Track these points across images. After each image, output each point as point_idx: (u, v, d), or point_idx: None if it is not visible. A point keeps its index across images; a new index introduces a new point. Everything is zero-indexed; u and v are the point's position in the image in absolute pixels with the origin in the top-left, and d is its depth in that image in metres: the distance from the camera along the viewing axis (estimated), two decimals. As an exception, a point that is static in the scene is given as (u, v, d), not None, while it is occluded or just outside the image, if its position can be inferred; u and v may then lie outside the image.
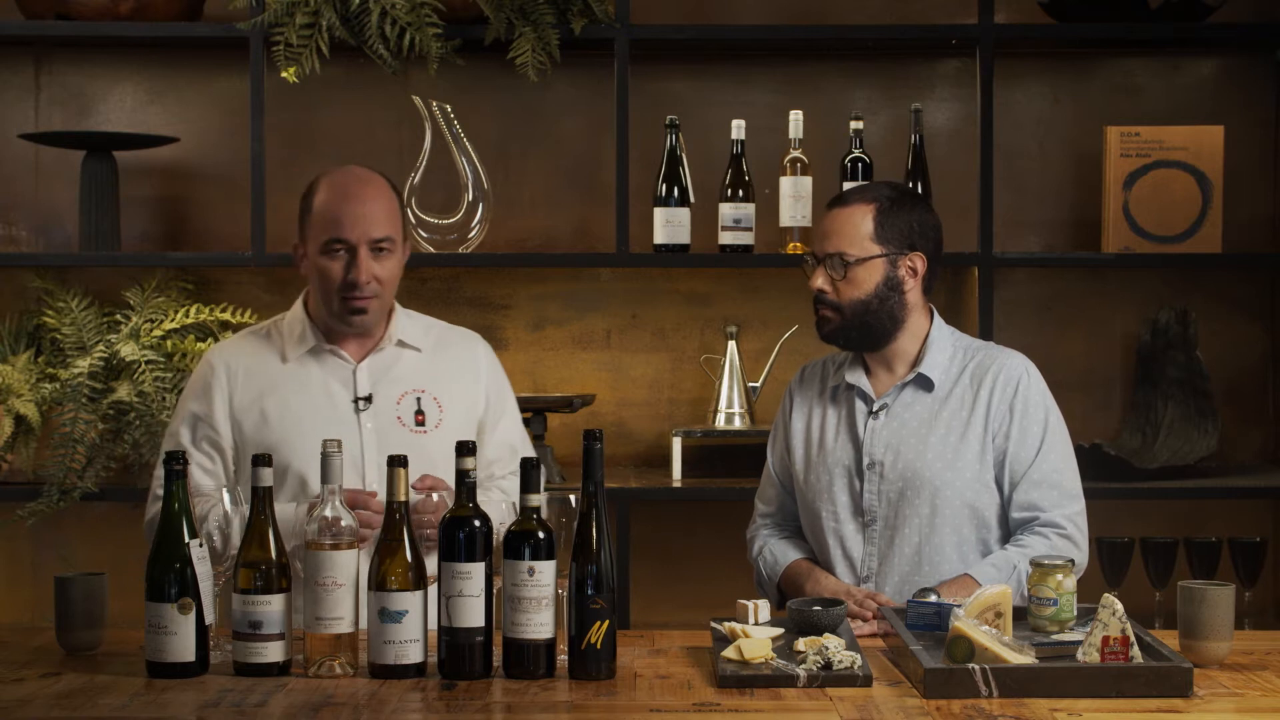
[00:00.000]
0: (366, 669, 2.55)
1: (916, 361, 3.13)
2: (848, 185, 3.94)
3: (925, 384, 3.12)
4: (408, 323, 3.18)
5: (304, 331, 3.11)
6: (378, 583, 2.53)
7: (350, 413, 3.07)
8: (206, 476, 3.04)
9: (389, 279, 3.06)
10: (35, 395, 3.85)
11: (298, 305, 3.16)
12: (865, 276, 3.07)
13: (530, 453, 3.24)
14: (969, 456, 3.06)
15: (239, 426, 3.07)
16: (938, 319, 3.17)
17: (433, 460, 2.92)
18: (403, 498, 2.56)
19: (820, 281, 3.09)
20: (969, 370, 3.12)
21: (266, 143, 3.99)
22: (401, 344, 3.14)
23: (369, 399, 3.08)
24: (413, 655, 2.52)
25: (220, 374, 3.10)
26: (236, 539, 2.62)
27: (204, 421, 3.07)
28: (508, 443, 3.19)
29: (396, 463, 2.56)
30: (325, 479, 2.58)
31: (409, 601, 2.52)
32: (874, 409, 3.13)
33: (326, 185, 3.07)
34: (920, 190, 3.98)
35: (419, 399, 3.10)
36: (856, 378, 3.15)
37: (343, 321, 3.07)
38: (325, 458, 2.58)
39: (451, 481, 2.90)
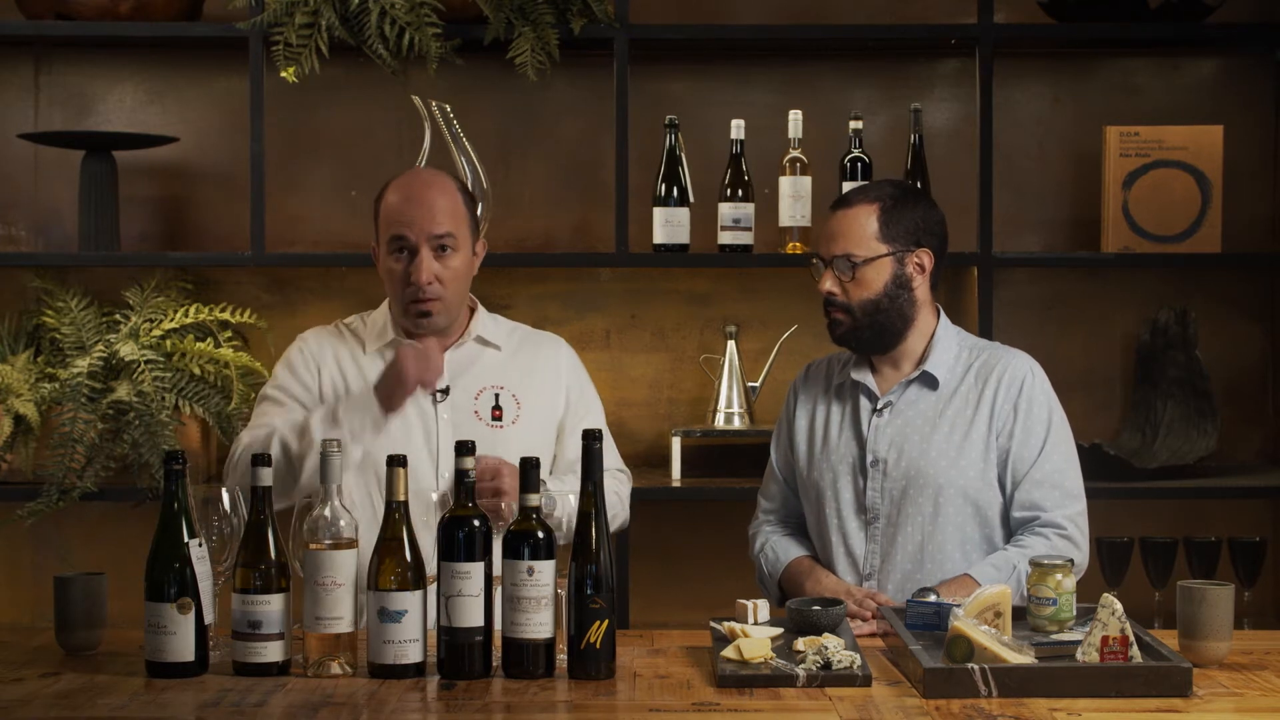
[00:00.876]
0: (366, 669, 2.55)
1: (922, 359, 3.13)
2: (847, 185, 3.93)
3: (930, 382, 3.11)
4: (490, 323, 3.26)
5: (385, 326, 3.20)
6: (377, 582, 2.53)
7: (429, 404, 3.12)
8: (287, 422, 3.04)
9: (452, 278, 3.10)
10: (35, 395, 3.84)
11: (384, 305, 3.23)
12: (874, 276, 3.07)
13: (615, 455, 3.32)
14: (973, 455, 3.06)
15: (325, 403, 3.12)
16: (944, 317, 3.17)
17: (509, 456, 2.94)
18: (402, 497, 2.56)
19: (829, 284, 3.09)
20: (974, 369, 3.12)
21: (266, 143, 3.99)
22: (482, 341, 3.21)
23: (446, 391, 3.13)
24: (412, 655, 2.52)
25: (310, 349, 3.19)
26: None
27: (296, 385, 3.14)
28: None
29: (395, 462, 2.56)
30: (324, 479, 2.59)
31: (408, 601, 2.52)
32: (878, 406, 3.12)
33: (393, 187, 3.15)
34: (920, 190, 3.99)
35: (497, 395, 3.16)
36: (862, 375, 3.15)
37: (412, 324, 3.13)
38: (324, 458, 2.59)
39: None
